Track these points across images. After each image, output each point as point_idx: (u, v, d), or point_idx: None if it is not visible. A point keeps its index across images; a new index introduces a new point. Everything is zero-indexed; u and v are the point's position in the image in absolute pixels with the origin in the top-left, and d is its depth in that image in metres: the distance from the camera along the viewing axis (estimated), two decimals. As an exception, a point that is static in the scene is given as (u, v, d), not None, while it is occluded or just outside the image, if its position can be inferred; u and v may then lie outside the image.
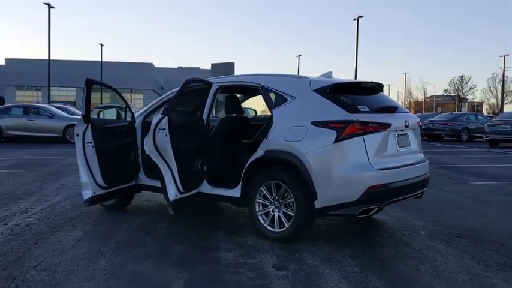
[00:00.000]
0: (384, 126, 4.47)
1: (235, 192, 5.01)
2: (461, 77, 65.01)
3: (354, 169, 4.31)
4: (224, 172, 5.39)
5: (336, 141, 4.30)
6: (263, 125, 6.25)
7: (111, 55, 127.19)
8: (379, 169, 4.35)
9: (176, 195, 4.77)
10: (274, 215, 4.69)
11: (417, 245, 4.67)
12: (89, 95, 5.08)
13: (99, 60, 51.54)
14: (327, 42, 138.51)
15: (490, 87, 64.63)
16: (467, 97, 65.44)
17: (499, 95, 62.23)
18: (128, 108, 5.85)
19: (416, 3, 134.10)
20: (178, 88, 4.78)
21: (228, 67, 74.90)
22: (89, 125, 5.11)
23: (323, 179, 4.33)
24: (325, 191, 4.33)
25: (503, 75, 59.16)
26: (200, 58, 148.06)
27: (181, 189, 4.80)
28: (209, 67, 76.97)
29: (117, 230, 5.17)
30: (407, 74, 79.73)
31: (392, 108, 4.80)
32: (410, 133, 4.91)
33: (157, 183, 5.62)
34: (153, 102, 6.06)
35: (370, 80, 5.03)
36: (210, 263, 4.07)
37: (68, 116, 19.47)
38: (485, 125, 20.94)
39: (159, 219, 5.68)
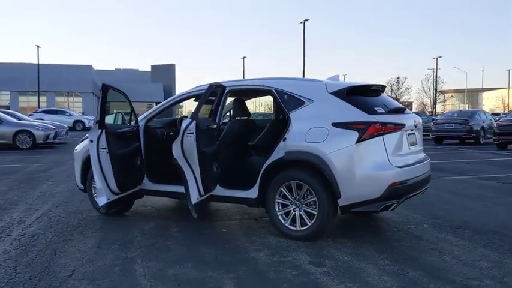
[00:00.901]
0: (400, 127, 4.74)
1: (251, 193, 5.11)
2: (398, 78, 68.02)
3: (376, 167, 4.54)
4: (236, 174, 5.45)
5: (358, 141, 4.51)
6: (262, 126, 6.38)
7: (48, 57, 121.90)
8: (398, 167, 4.61)
9: (198, 198, 4.81)
10: (295, 214, 4.83)
11: (428, 237, 4.97)
12: (105, 100, 5.00)
13: (36, 62, 49.32)
14: (273, 44, 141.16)
15: (423, 87, 67.97)
16: (403, 97, 68.43)
17: (432, 94, 65.60)
18: (133, 113, 5.78)
19: (358, 9, 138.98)
20: (190, 90, 4.82)
21: (169, 69, 74.27)
22: (103, 130, 5.03)
23: (346, 177, 4.52)
24: (349, 189, 4.52)
25: (436, 76, 62.57)
26: (139, 60, 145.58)
27: (202, 192, 4.84)
28: (149, 69, 75.86)
29: (131, 236, 5.11)
30: (346, 76, 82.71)
31: (402, 109, 5.09)
32: (416, 132, 5.21)
33: (161, 188, 5.65)
34: (156, 107, 6.02)
35: (377, 83, 5.29)
36: (248, 263, 4.15)
37: (17, 121, 18.58)
38: (432, 123, 22.12)
39: (166, 223, 5.66)
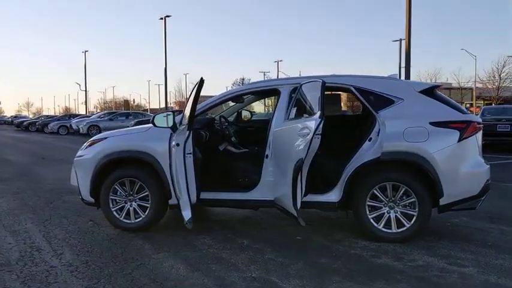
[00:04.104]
0: (481, 125, 4.94)
1: (330, 196, 4.85)
2: (243, 79, 70.45)
3: (476, 165, 4.69)
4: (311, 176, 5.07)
5: (459, 140, 4.59)
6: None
7: None
8: (486, 164, 4.83)
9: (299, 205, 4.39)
10: (390, 216, 4.71)
11: (490, 229, 5.25)
12: (199, 96, 4.22)
13: None
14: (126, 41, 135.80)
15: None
16: (248, 97, 71.30)
17: (274, 96, 69.50)
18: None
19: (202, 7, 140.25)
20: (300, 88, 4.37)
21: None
22: (191, 132, 4.26)
23: (450, 176, 4.56)
24: (452, 188, 4.57)
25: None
26: None
27: (302, 197, 4.43)
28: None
29: (208, 252, 4.48)
30: (187, 75, 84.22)
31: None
32: None
33: (209, 196, 5.04)
34: (200, 105, 5.27)
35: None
36: (391, 271, 3.93)
37: None
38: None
39: (220, 234, 5.11)
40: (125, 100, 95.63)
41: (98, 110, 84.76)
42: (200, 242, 4.80)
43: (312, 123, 4.12)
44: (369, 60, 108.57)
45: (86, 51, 56.88)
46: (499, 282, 3.68)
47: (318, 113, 4.11)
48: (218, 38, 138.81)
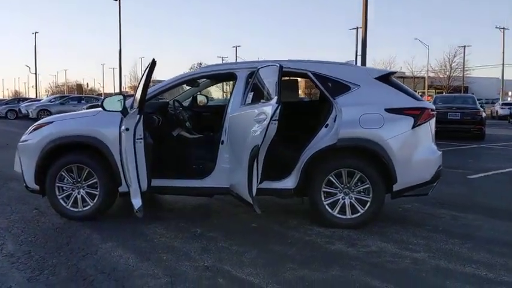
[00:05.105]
0: (434, 113, 4.99)
1: (286, 183, 4.80)
2: (200, 63, 69.57)
3: (428, 152, 4.74)
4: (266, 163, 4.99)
5: (413, 126, 4.61)
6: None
7: None
8: (438, 150, 4.89)
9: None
10: (344, 202, 4.70)
11: (441, 215, 5.34)
12: (150, 79, 4.01)
13: None
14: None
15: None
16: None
17: (230, 82, 69.10)
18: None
19: None
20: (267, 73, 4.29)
21: None
22: (141, 117, 4.06)
23: (404, 163, 4.58)
24: (405, 174, 4.59)
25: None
26: None
27: (258, 184, 4.34)
28: None
29: (161, 243, 4.36)
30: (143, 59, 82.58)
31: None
32: None
33: (161, 183, 4.87)
34: (151, 89, 5.03)
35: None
36: (345, 258, 3.94)
37: None
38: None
39: (171, 223, 4.94)
40: (77, 84, 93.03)
41: (50, 94, 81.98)
42: (152, 231, 4.65)
43: (268, 109, 4.01)
44: (326, 46, 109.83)
45: (36, 32, 54.70)
46: (449, 267, 3.73)
47: (275, 98, 4.01)
48: (175, 22, 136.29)
